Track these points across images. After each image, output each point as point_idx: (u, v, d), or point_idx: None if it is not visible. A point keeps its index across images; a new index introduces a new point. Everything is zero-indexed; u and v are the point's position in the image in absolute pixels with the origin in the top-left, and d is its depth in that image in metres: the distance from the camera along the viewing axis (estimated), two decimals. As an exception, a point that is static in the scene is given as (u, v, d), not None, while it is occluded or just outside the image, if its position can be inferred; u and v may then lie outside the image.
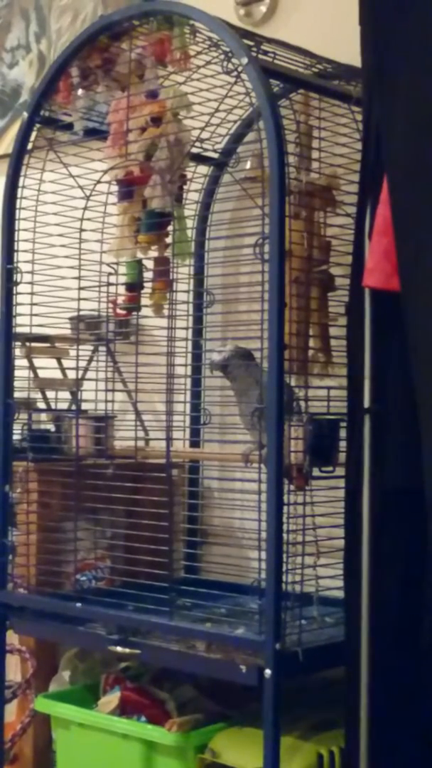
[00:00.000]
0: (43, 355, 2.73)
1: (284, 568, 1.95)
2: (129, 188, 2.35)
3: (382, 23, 1.84)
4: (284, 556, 1.95)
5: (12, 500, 2.44)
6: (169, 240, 2.38)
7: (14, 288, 2.42)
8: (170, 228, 2.38)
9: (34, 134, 2.45)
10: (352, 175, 2.17)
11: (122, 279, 2.41)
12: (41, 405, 2.75)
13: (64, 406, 2.73)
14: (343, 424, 2.01)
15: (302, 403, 2.11)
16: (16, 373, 2.46)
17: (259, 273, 1.97)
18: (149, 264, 2.41)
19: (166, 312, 2.34)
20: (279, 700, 1.90)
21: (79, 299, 2.37)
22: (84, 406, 2.58)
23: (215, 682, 2.28)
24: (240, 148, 2.54)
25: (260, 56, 2.12)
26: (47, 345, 2.73)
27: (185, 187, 2.45)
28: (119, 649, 2.18)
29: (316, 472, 2.06)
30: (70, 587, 2.47)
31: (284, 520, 1.94)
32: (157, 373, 2.32)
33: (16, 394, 2.46)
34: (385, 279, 1.82)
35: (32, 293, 2.41)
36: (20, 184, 2.43)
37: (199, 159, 2.56)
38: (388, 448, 1.90)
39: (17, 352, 2.48)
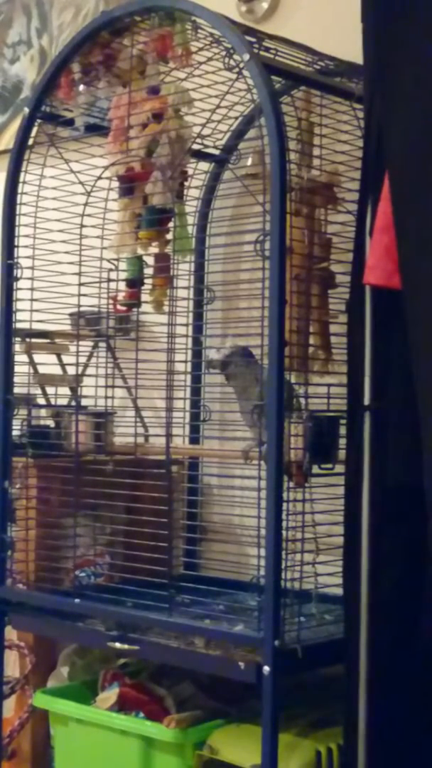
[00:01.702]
0: (42, 351, 2.73)
1: (283, 565, 1.95)
2: (130, 184, 2.35)
3: (384, 20, 1.83)
4: (283, 553, 1.95)
5: (11, 496, 2.44)
6: (169, 236, 2.38)
7: (14, 284, 2.42)
8: (171, 224, 2.38)
9: (35, 130, 2.45)
10: (354, 173, 2.17)
11: (122, 275, 2.41)
12: (41, 401, 2.75)
13: (63, 402, 2.73)
14: (343, 421, 2.01)
15: (302, 401, 2.11)
16: (16, 368, 2.46)
17: (260, 270, 1.97)
18: (150, 260, 2.41)
19: (166, 308, 2.34)
20: (278, 697, 1.91)
21: (80, 295, 2.37)
22: (84, 402, 2.58)
23: (214, 678, 2.28)
24: (241, 144, 2.53)
25: (262, 53, 2.12)
26: (47, 341, 2.73)
27: (186, 183, 2.45)
28: (118, 645, 2.18)
29: (315, 469, 2.06)
30: (69, 583, 2.47)
31: (284, 517, 1.94)
32: (157, 369, 2.32)
33: (16, 390, 2.46)
34: (386, 276, 1.82)
35: (32, 289, 2.41)
36: (21, 179, 2.43)
37: (200, 155, 2.56)
38: (388, 445, 1.90)
39: (17, 347, 2.48)
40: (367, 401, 1.91)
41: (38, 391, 2.74)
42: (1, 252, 2.43)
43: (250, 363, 2.19)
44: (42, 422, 2.71)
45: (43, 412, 2.74)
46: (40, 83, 2.45)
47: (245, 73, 2.03)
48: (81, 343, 2.54)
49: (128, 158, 2.32)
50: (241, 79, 2.10)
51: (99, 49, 2.35)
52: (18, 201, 2.43)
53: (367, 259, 1.87)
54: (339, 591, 1.99)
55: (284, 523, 1.94)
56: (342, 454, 2.01)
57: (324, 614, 2.15)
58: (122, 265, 2.40)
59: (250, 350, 2.20)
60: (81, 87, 2.41)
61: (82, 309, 2.42)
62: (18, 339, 2.51)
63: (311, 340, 2.23)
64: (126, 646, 2.17)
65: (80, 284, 2.37)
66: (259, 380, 2.12)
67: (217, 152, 2.59)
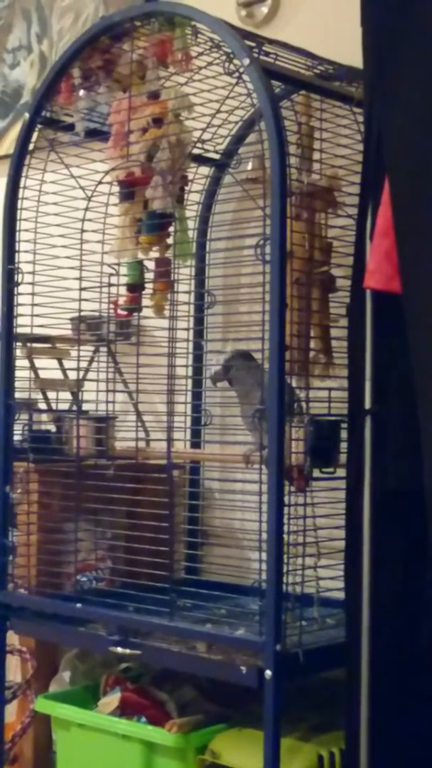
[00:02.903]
0: (44, 356, 2.73)
1: (285, 569, 1.95)
2: (130, 189, 2.35)
3: (383, 25, 1.84)
4: (285, 557, 1.95)
5: (12, 501, 2.44)
6: (170, 241, 2.38)
7: (15, 288, 2.42)
8: (171, 229, 2.38)
9: (35, 135, 2.46)
10: (354, 177, 2.17)
11: (123, 280, 2.41)
12: (42, 405, 2.75)
13: (65, 406, 2.73)
14: (344, 425, 2.01)
15: (303, 404, 2.11)
16: (17, 373, 2.46)
17: (260, 274, 1.98)
18: (150, 265, 2.41)
19: (167, 313, 2.34)
20: (279, 702, 1.91)
21: (80, 300, 2.38)
22: (85, 406, 2.58)
23: (216, 683, 2.28)
24: (241, 149, 2.54)
25: (262, 57, 2.12)
26: (48, 345, 2.73)
27: (186, 188, 2.45)
28: (119, 649, 2.18)
29: (316, 473, 2.06)
30: (70, 588, 2.47)
31: (285, 521, 1.94)
32: (158, 373, 2.32)
33: (17, 395, 2.46)
34: (386, 281, 1.82)
35: (33, 294, 2.41)
36: (21, 184, 2.43)
37: (201, 160, 2.56)
38: (388, 449, 1.90)
39: (18, 352, 2.48)
40: (368, 405, 1.91)
41: (39, 395, 2.74)
42: (2, 257, 2.43)
43: (252, 367, 2.19)
44: (43, 427, 2.71)
45: (44, 416, 2.75)
46: (40, 88, 2.45)
47: (245, 77, 2.04)
48: (82, 347, 2.54)
49: (128, 163, 2.33)
50: (241, 84, 2.10)
51: (99, 54, 2.35)
52: (19, 206, 2.43)
53: (368, 263, 1.87)
54: (340, 595, 1.99)
55: (285, 527, 1.94)
56: (343, 457, 2.01)
57: (325, 618, 2.15)
58: (123, 270, 2.41)
59: (251, 354, 2.20)
60: (81, 92, 2.42)
61: (83, 313, 2.42)
62: (19, 344, 2.51)
63: (312, 344, 2.23)
64: (127, 651, 2.17)
65: (81, 289, 2.37)
66: (261, 384, 2.12)
67: (217, 157, 2.59)
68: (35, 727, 2.59)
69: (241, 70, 2.03)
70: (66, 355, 2.78)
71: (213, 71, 2.24)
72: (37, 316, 2.42)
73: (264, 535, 1.93)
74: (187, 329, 2.47)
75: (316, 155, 2.26)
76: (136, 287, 2.43)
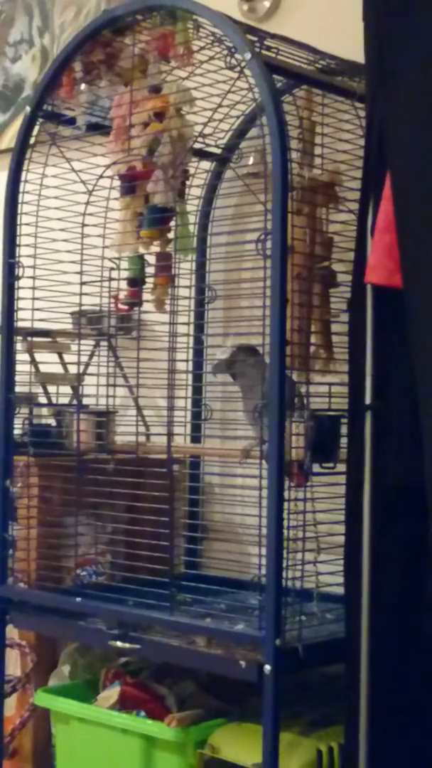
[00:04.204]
0: (44, 350, 2.73)
1: (284, 564, 1.95)
2: (131, 183, 2.35)
3: (385, 19, 1.83)
4: (285, 552, 1.95)
5: (13, 495, 2.44)
6: (171, 235, 2.38)
7: (16, 283, 2.42)
8: (172, 223, 2.38)
9: (36, 129, 2.45)
10: (355, 172, 2.17)
11: (124, 274, 2.41)
12: (42, 400, 2.75)
13: (65, 401, 2.73)
14: (345, 420, 2.01)
15: (304, 399, 2.10)
16: (18, 367, 2.46)
17: (261, 269, 1.97)
18: (151, 259, 2.41)
19: (167, 307, 2.34)
20: (279, 696, 1.91)
21: (81, 294, 2.38)
22: (85, 401, 2.58)
23: (215, 677, 2.29)
24: (243, 143, 2.54)
25: (263, 52, 2.12)
26: (49, 340, 2.73)
27: (188, 182, 2.45)
28: (119, 644, 2.18)
29: (317, 468, 2.06)
30: (70, 582, 2.47)
31: (285, 516, 1.94)
32: (159, 368, 2.32)
33: (18, 389, 2.46)
34: (387, 276, 1.82)
35: (34, 288, 2.41)
36: (23, 178, 2.43)
37: (202, 154, 2.56)
38: (389, 444, 1.90)
39: (19, 346, 2.48)
40: (368, 400, 1.91)
41: (40, 389, 2.74)
42: (3, 251, 2.43)
43: (257, 361, 2.19)
44: (43, 421, 2.71)
45: (44, 410, 2.75)
46: (41, 82, 2.45)
47: (247, 72, 2.03)
48: (82, 341, 2.54)
49: (130, 157, 2.32)
50: (243, 78, 2.09)
51: (101, 48, 2.35)
52: (20, 200, 2.43)
53: (369, 258, 1.87)
54: (340, 590, 1.99)
55: (285, 522, 1.94)
56: (343, 453, 2.01)
57: (325, 613, 2.15)
58: (124, 264, 2.40)
59: (256, 348, 2.19)
60: (82, 86, 2.41)
61: (83, 308, 2.42)
62: (20, 338, 2.51)
63: (313, 339, 2.23)
64: (127, 645, 2.17)
65: (82, 283, 2.37)
66: (265, 379, 2.12)
67: (218, 151, 2.59)
68: (35, 720, 2.59)
69: (243, 64, 2.03)
70: (66, 350, 2.78)
71: (214, 65, 2.23)
72: (37, 310, 2.42)
73: (264, 530, 1.93)
74: (188, 324, 2.47)
75: (317, 150, 2.26)
76: (136, 282, 2.42)
